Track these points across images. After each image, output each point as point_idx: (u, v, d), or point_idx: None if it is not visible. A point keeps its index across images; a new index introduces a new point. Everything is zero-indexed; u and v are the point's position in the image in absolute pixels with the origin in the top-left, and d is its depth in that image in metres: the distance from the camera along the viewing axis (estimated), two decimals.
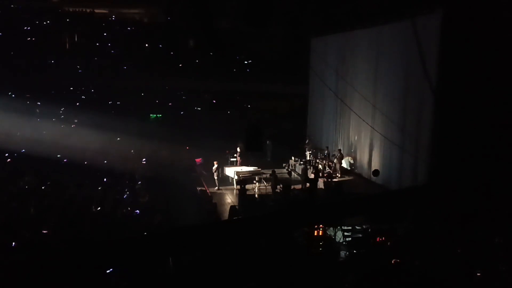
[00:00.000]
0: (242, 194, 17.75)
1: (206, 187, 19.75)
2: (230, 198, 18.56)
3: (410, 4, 16.33)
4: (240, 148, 22.27)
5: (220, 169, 20.17)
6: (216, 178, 19.81)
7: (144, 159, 23.31)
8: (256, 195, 18.37)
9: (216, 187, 19.64)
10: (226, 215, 15.94)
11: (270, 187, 18.67)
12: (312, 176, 19.24)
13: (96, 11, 35.31)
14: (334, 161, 21.24)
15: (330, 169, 20.76)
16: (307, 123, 27.38)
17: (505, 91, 13.68)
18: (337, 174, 20.67)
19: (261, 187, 18.95)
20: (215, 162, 19.91)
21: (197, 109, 31.99)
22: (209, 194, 18.76)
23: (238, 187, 18.42)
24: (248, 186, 18.22)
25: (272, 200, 17.60)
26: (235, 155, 22.38)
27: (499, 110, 13.74)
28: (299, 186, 19.13)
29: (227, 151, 22.64)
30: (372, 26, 19.77)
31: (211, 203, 17.22)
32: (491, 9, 13.79)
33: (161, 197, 17.41)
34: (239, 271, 9.92)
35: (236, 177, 19.51)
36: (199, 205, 17.66)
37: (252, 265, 10.13)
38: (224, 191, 19.45)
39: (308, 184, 18.49)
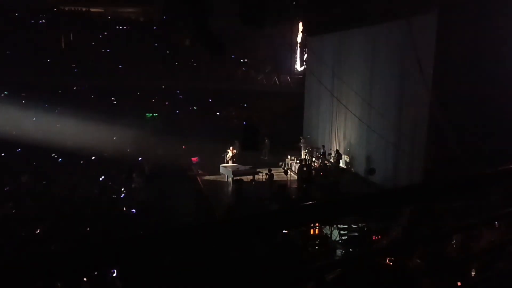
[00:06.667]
0: (238, 192, 17.76)
1: (202, 186, 19.76)
2: (226, 197, 18.58)
3: (406, 3, 16.36)
4: (233, 147, 22.25)
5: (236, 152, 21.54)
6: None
7: (140, 158, 23.28)
8: (252, 194, 18.38)
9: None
10: (222, 214, 15.95)
11: (266, 185, 18.68)
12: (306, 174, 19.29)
13: (92, 10, 35.24)
14: (330, 159, 21.29)
15: (327, 168, 20.78)
16: (303, 122, 27.42)
17: (501, 90, 13.74)
18: (331, 168, 20.76)
19: (257, 185, 18.96)
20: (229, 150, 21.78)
21: (194, 108, 31.96)
22: (206, 194, 18.78)
23: (234, 186, 18.44)
24: (244, 185, 18.24)
25: (268, 198, 17.61)
26: (228, 153, 22.37)
27: (495, 109, 13.80)
28: (295, 185, 19.15)
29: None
30: (368, 25, 19.81)
31: (208, 202, 17.24)
32: (486, 8, 13.84)
33: (157, 197, 17.41)
34: (234, 272, 9.92)
35: (232, 176, 19.53)
36: (195, 204, 17.66)
37: (247, 266, 10.13)
38: (220, 191, 19.48)
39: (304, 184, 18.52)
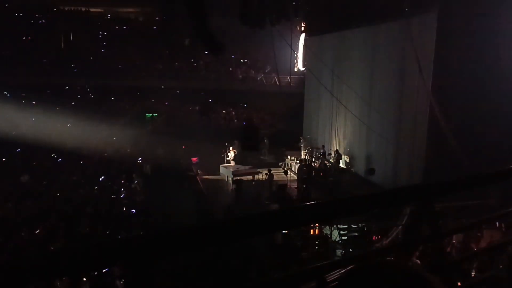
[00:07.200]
0: (238, 193, 17.75)
1: (202, 186, 19.76)
2: (226, 197, 18.56)
3: (406, 3, 16.36)
4: (233, 147, 22.23)
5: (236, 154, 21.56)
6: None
7: (140, 158, 23.26)
8: (252, 194, 18.38)
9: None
10: (222, 214, 15.96)
11: (266, 185, 18.67)
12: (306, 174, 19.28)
13: (92, 10, 35.22)
14: (330, 159, 21.27)
15: (327, 168, 20.77)
16: (303, 122, 27.41)
17: (501, 89, 13.74)
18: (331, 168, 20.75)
19: (257, 185, 18.95)
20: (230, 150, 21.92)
21: (194, 108, 31.94)
22: (206, 194, 18.78)
23: (234, 186, 18.43)
24: (244, 185, 18.22)
25: (268, 199, 17.61)
26: (228, 153, 22.36)
27: (495, 108, 13.80)
28: (295, 185, 19.15)
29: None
30: (368, 25, 19.81)
31: (207, 202, 17.23)
32: (486, 8, 13.83)
33: (157, 197, 17.41)
34: (234, 272, 9.92)
35: (232, 176, 19.52)
36: (195, 204, 17.66)
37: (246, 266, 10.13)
38: (220, 191, 19.47)
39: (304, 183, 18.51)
